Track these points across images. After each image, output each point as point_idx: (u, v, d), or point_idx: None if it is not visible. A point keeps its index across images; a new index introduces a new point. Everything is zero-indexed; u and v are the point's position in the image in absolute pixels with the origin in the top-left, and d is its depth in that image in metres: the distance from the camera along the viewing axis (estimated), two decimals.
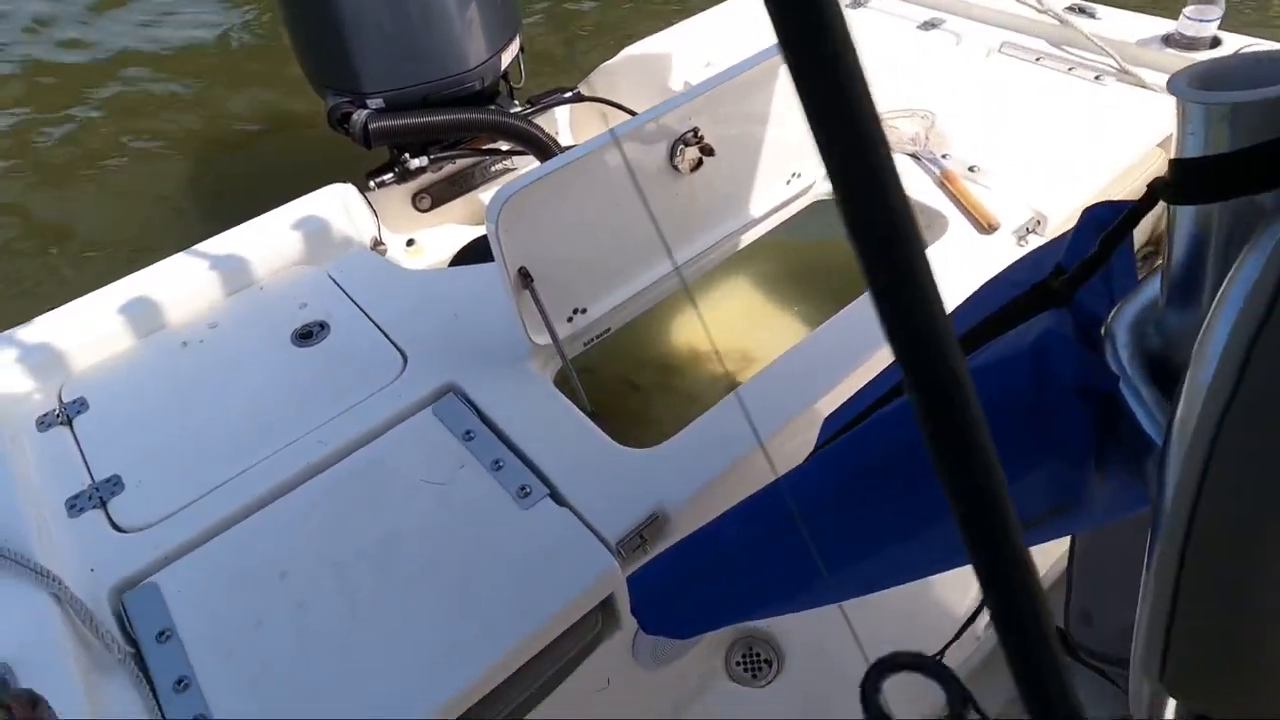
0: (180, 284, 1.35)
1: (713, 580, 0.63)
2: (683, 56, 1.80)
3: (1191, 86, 0.39)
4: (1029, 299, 0.53)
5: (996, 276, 0.66)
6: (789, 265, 1.61)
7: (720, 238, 1.34)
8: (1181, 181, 0.41)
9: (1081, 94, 1.59)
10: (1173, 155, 0.41)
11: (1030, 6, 1.79)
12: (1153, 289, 0.49)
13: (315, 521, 0.99)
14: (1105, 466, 0.45)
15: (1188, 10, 1.55)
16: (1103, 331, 0.49)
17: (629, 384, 1.47)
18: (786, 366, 1.14)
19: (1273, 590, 0.31)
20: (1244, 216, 0.41)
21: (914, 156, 1.47)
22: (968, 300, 0.68)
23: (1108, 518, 0.53)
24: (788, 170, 1.39)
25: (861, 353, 1.13)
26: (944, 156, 1.45)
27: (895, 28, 1.87)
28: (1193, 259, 0.43)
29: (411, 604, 0.91)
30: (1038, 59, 1.69)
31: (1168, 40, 1.61)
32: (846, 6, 1.94)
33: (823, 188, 1.48)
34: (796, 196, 1.44)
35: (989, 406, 0.48)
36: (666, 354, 1.52)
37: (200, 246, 1.42)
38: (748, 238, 1.40)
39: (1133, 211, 0.46)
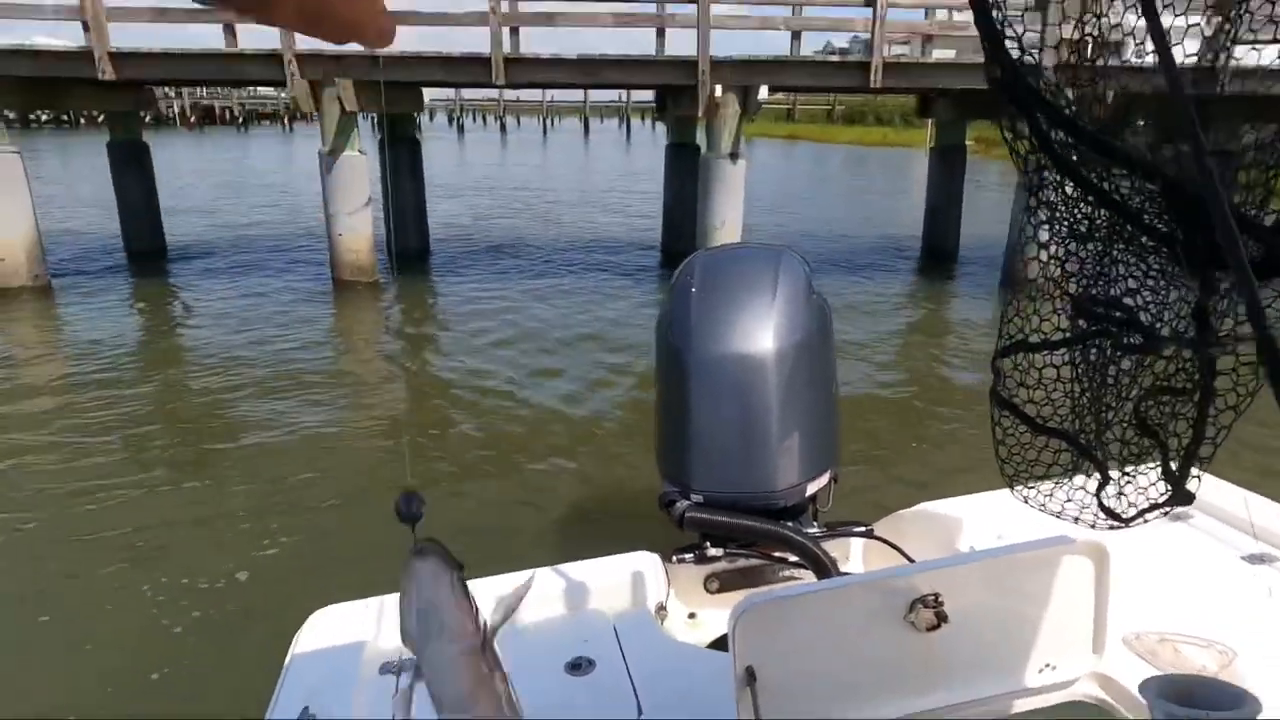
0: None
1: None
2: (974, 524, 1.96)
3: (1160, 696, 0.52)
4: None
5: None
6: None
7: (949, 703, 1.38)
8: None
9: None
10: None
11: None
12: None
13: None
14: None
15: None
16: None
17: None
18: None
19: None
20: None
21: None
22: None
23: None
24: (1040, 659, 1.42)
25: None
26: None
27: (1217, 552, 1.83)
28: None
29: None
30: None
31: None
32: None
33: (1083, 688, 1.45)
34: (1049, 688, 1.43)
35: None
36: None
37: (533, 571, 1.84)
38: (981, 713, 1.41)
39: None
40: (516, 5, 9.71)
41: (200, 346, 8.15)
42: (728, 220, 9.82)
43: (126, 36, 9.45)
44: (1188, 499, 0.70)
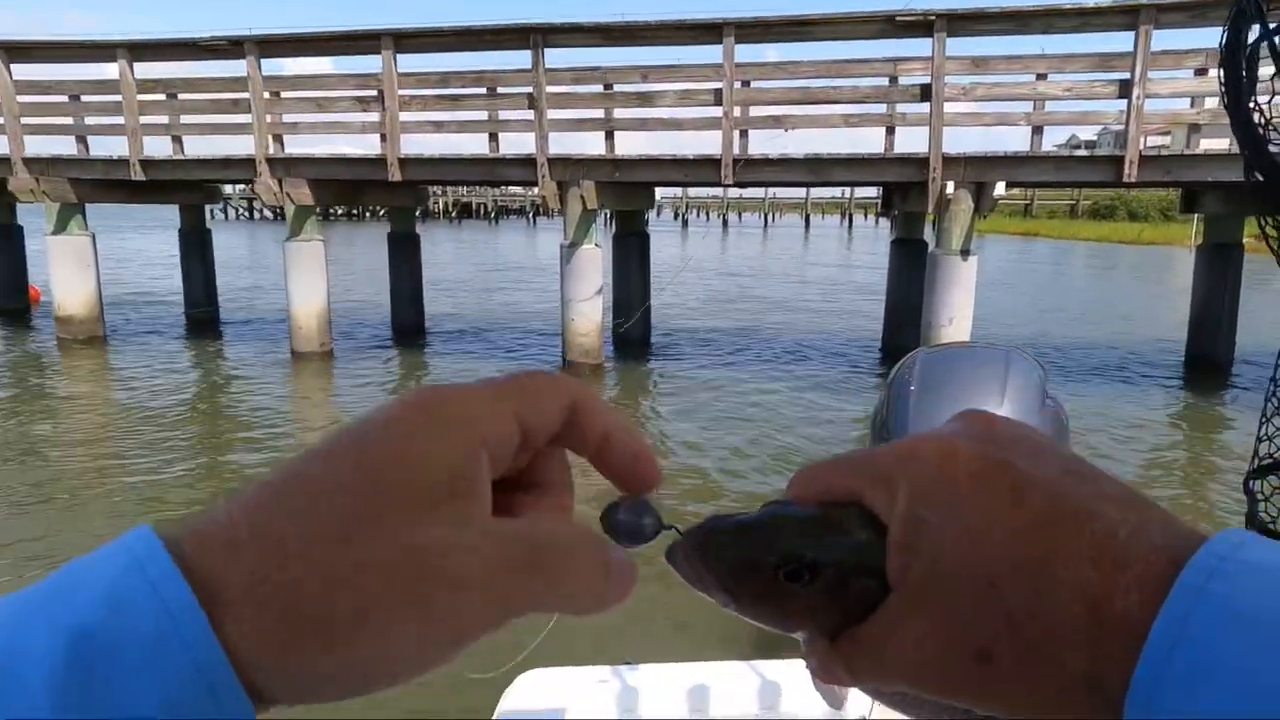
0: None
1: None
2: None
3: None
4: None
5: None
6: None
7: None
8: None
9: None
10: None
11: None
12: None
13: None
14: None
15: None
16: None
17: None
18: None
19: None
20: None
21: None
22: None
23: None
24: None
25: None
26: None
27: None
28: None
29: None
30: None
31: None
32: None
33: None
34: None
35: None
36: None
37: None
38: None
39: None
40: (748, 111, 10.18)
41: None
42: (956, 318, 9.38)
43: (410, 145, 11.07)
44: None
